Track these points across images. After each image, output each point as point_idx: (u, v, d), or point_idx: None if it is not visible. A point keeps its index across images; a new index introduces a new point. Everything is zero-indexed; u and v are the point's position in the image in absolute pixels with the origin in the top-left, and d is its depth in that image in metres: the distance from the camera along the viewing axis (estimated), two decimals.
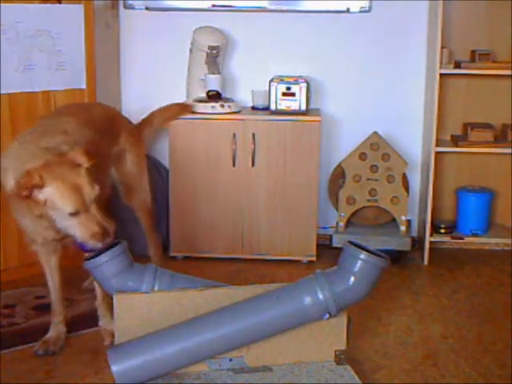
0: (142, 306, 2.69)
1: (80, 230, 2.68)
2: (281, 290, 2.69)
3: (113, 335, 2.83)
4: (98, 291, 3.04)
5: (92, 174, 2.74)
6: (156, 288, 2.74)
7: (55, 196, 2.63)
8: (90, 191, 2.67)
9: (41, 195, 2.63)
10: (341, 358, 2.77)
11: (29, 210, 2.73)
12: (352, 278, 2.62)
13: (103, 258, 2.70)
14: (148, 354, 2.60)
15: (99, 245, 2.68)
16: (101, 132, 3.18)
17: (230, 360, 2.72)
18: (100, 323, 3.08)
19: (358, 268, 2.61)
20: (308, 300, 2.62)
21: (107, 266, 2.70)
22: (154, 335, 2.64)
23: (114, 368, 2.58)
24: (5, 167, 2.79)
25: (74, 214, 2.65)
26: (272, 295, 2.67)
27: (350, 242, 2.68)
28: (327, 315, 2.64)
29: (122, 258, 2.72)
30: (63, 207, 2.64)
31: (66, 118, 3.05)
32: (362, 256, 2.60)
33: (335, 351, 2.78)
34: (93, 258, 2.73)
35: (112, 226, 2.71)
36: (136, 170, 3.51)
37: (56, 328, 3.04)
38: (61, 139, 2.83)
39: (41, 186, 2.61)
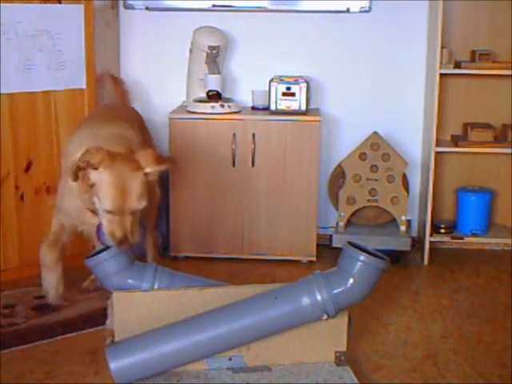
0: (141, 304, 2.69)
1: (106, 225, 2.67)
2: (279, 290, 2.68)
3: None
4: None
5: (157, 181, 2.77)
6: (156, 286, 2.75)
7: (102, 187, 2.63)
8: (134, 203, 2.65)
9: (92, 176, 2.63)
10: (341, 360, 2.77)
11: (78, 188, 2.75)
12: (351, 280, 2.60)
13: (105, 255, 2.71)
14: (146, 351, 2.61)
15: (113, 245, 2.67)
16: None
17: (230, 359, 2.72)
18: (107, 322, 3.07)
19: (357, 269, 2.59)
20: (306, 300, 2.61)
21: (108, 264, 2.72)
22: (152, 333, 2.65)
23: (112, 365, 2.59)
24: (69, 153, 2.84)
25: (108, 212, 2.65)
26: (270, 295, 2.67)
27: (349, 242, 2.67)
28: (325, 316, 2.63)
29: (122, 256, 2.73)
30: (103, 201, 2.65)
31: (122, 123, 3.10)
32: (362, 257, 2.58)
33: (335, 352, 2.77)
34: (94, 255, 2.74)
35: (135, 239, 2.69)
36: None
37: None
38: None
39: (95, 168, 2.61)
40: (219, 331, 2.62)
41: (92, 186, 2.66)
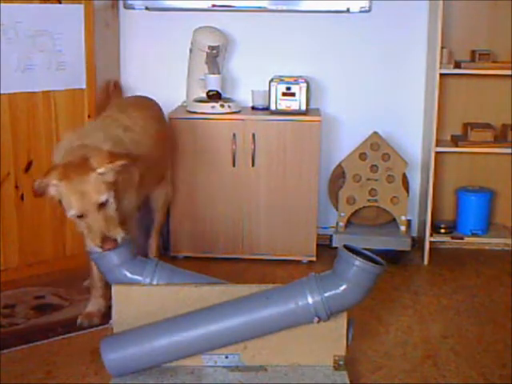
0: (139, 298, 2.72)
1: (84, 232, 2.76)
2: (271, 291, 2.68)
3: None
4: None
5: (123, 174, 2.82)
6: (155, 281, 2.77)
7: (63, 198, 2.72)
8: (93, 198, 2.69)
9: (53, 192, 2.73)
10: (340, 364, 2.74)
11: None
12: (344, 284, 2.58)
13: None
14: (138, 345, 2.64)
15: (99, 250, 2.72)
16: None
17: (226, 357, 2.73)
18: (111, 321, 3.07)
19: (352, 274, 2.56)
20: (297, 302, 2.60)
21: (111, 257, 2.75)
22: (146, 327, 2.67)
23: (105, 357, 2.62)
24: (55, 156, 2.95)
25: (79, 217, 2.72)
26: (262, 295, 2.67)
27: (345, 246, 2.63)
28: (316, 319, 2.62)
29: (125, 249, 2.77)
30: (68, 210, 2.72)
31: (136, 114, 3.25)
32: (356, 262, 2.55)
33: (334, 356, 2.75)
34: None
35: (118, 235, 2.72)
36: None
37: (97, 301, 3.17)
38: (114, 136, 2.99)
39: (53, 184, 2.70)
40: (210, 329, 2.63)
41: (60, 201, 2.76)
